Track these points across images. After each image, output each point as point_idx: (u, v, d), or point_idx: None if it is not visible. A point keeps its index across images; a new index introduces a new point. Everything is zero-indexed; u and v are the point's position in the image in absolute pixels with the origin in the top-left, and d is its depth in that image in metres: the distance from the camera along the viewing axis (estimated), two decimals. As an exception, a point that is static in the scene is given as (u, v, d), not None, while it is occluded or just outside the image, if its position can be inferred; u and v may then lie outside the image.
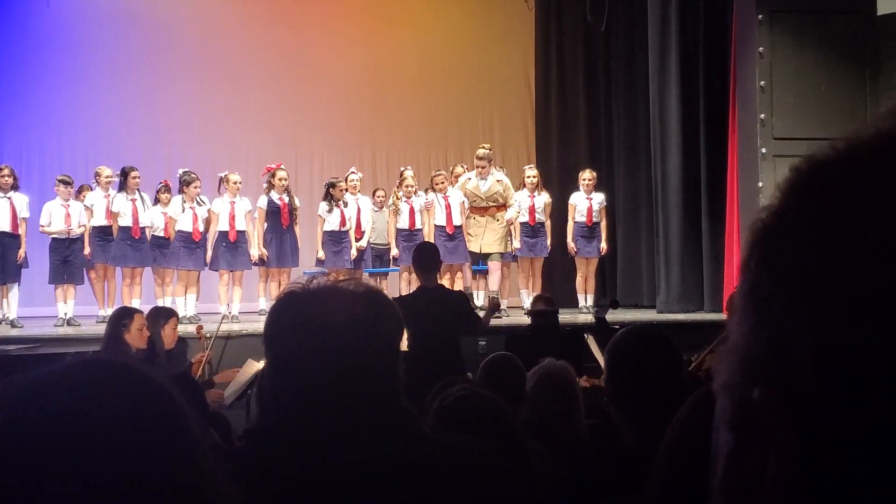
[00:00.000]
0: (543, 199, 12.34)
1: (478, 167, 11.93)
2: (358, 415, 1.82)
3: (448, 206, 11.97)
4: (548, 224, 12.37)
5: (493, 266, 11.84)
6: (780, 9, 10.15)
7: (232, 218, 11.78)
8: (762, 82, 10.10)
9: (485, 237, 11.90)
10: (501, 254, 11.95)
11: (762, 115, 10.10)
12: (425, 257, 7.22)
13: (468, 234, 11.96)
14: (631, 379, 2.87)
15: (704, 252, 11.69)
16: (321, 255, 12.06)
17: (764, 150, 10.08)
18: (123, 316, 6.97)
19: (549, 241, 12.37)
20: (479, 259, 12.01)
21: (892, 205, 0.55)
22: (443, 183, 12.09)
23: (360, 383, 1.82)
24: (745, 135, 10.50)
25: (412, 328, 6.15)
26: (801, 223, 0.59)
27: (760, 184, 10.04)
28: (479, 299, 12.02)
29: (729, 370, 0.63)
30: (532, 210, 12.15)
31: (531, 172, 12.39)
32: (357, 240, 12.19)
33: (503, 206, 11.98)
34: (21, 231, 11.51)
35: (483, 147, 12.19)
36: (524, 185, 12.27)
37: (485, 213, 11.94)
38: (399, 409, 1.89)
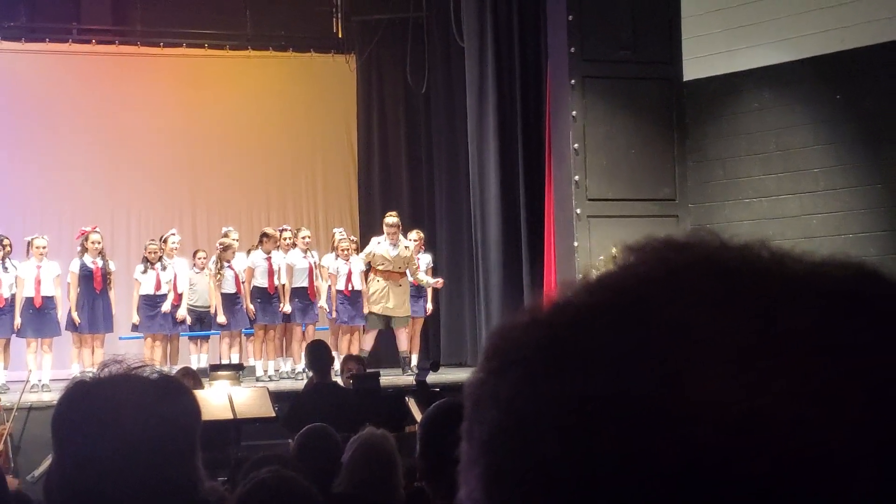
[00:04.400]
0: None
1: (388, 233, 12.22)
2: (151, 510, 1.76)
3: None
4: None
5: (402, 332, 12.21)
6: (592, 74, 10.52)
7: (38, 283, 11.34)
8: (576, 145, 10.41)
9: (391, 300, 12.09)
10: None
11: (576, 177, 10.40)
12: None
13: (368, 297, 12.13)
14: (443, 454, 2.87)
15: (525, 310, 11.87)
16: (136, 319, 11.75)
17: (579, 211, 10.37)
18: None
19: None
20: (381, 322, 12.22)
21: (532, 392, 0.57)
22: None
23: (153, 476, 1.76)
24: (560, 195, 10.77)
25: None
26: (491, 392, 0.60)
27: (576, 243, 10.32)
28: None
29: None
30: (349, 275, 12.32)
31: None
32: (175, 305, 11.91)
33: (404, 273, 12.22)
34: None
35: (392, 215, 12.46)
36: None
37: (389, 278, 12.10)
38: (196, 502, 1.84)
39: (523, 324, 0.62)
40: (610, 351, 0.56)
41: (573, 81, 10.43)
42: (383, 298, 12.09)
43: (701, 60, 10.54)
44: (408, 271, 12.25)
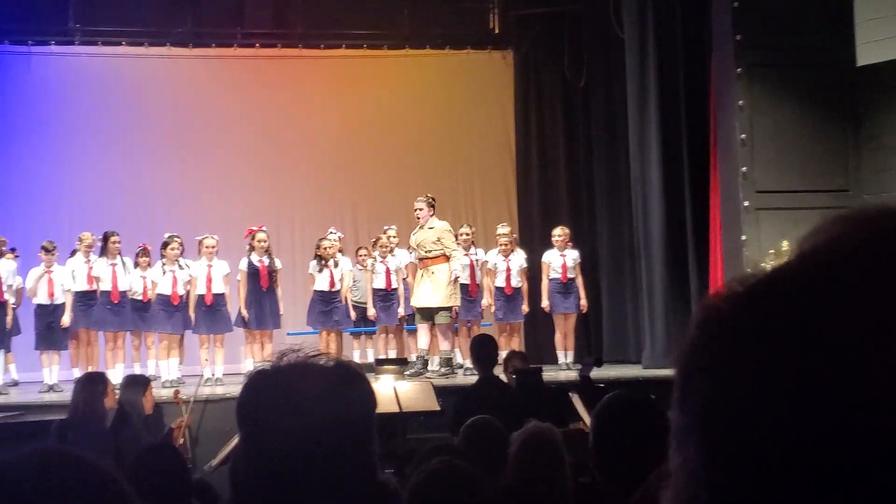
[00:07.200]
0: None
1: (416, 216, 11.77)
2: (332, 493, 1.78)
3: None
4: (524, 286, 12.29)
5: (423, 328, 11.56)
6: (759, 62, 10.22)
7: (209, 281, 11.74)
8: (743, 135, 10.14)
9: (418, 291, 11.56)
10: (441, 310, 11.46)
11: (744, 169, 10.13)
12: None
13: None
14: (617, 446, 2.82)
15: (690, 306, 11.64)
16: (310, 315, 12.02)
17: (746, 203, 10.09)
18: (98, 381, 6.94)
19: (524, 305, 12.25)
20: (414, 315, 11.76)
21: (779, 355, 0.57)
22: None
23: (334, 460, 1.79)
24: (727, 188, 10.51)
25: None
26: (705, 363, 0.60)
27: (744, 237, 10.05)
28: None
29: None
30: (508, 272, 12.13)
31: (503, 230, 12.40)
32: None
33: (439, 258, 11.48)
34: (8, 298, 11.49)
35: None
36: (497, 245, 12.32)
37: (421, 267, 11.65)
38: (374, 485, 1.85)
39: (733, 296, 0.61)
40: (818, 323, 0.56)
41: (739, 70, 10.16)
42: (415, 293, 11.64)
43: (876, 45, 10.10)
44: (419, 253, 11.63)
